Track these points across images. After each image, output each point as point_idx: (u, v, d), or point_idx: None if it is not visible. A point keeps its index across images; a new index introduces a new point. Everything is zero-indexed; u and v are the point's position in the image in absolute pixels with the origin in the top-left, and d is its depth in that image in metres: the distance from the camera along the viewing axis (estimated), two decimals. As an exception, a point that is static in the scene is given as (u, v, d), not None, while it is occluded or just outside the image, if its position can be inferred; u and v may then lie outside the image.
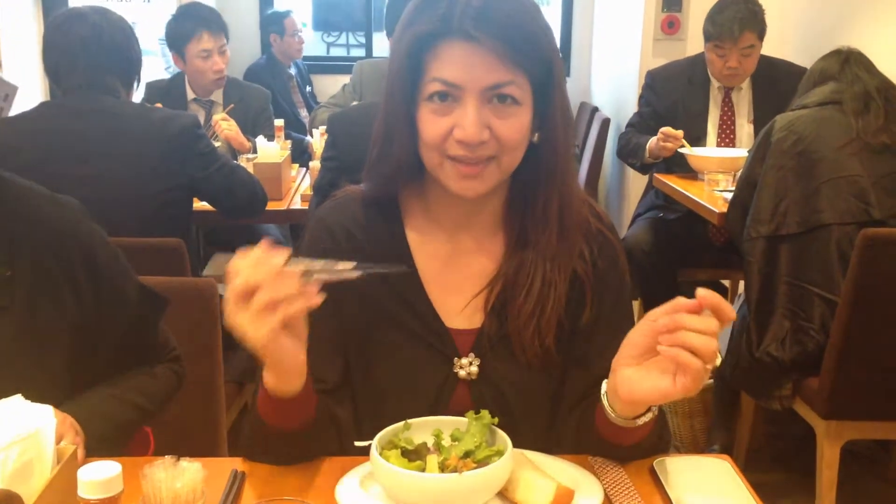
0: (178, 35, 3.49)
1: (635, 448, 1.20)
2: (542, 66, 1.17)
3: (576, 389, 1.28)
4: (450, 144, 1.16)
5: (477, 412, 1.16)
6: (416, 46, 1.16)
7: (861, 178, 2.33)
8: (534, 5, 1.19)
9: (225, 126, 3.32)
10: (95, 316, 1.30)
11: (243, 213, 2.70)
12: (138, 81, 2.45)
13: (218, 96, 3.65)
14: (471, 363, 1.26)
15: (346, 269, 1.04)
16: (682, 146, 3.28)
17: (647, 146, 3.41)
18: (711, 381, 2.86)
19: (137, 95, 2.56)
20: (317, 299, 1.02)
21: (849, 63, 2.52)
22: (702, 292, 1.04)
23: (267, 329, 0.99)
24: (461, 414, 1.18)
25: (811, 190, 2.35)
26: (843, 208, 2.31)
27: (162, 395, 1.42)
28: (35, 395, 1.07)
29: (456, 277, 1.28)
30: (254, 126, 3.57)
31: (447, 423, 1.16)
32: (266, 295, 0.98)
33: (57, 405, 1.06)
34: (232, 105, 3.53)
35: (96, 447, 1.18)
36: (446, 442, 1.12)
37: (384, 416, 1.18)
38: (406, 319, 1.26)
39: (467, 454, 1.09)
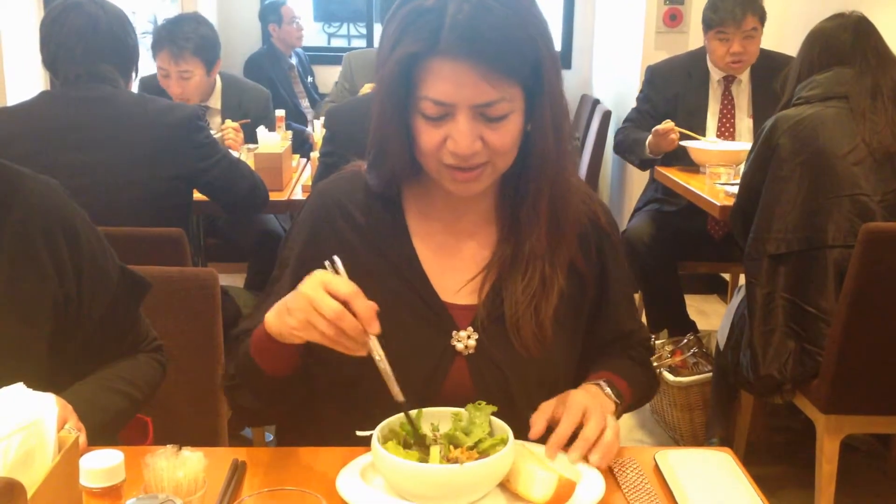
0: (151, 43, 3.32)
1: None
2: (532, 68, 1.17)
3: (600, 337, 1.39)
4: (444, 154, 1.18)
5: (475, 387, 1.17)
6: (405, 65, 1.15)
7: (866, 198, 2.28)
8: (523, 7, 1.16)
9: (232, 135, 3.26)
10: (76, 291, 1.30)
11: (243, 209, 2.69)
12: (136, 71, 2.44)
13: (216, 101, 3.52)
14: (468, 337, 1.27)
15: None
16: (679, 135, 3.27)
17: (647, 142, 3.40)
18: (710, 374, 2.86)
19: (133, 88, 2.54)
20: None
21: (859, 38, 2.42)
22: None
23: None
24: (460, 390, 1.20)
25: (815, 207, 2.30)
26: (847, 229, 2.26)
27: (150, 384, 1.42)
28: (15, 369, 1.09)
29: (453, 261, 1.31)
30: (254, 128, 3.50)
31: (447, 415, 1.16)
32: (334, 341, 1.08)
33: (36, 380, 1.06)
34: (248, 121, 3.38)
35: (90, 437, 1.18)
36: (450, 430, 1.13)
37: (380, 391, 1.19)
38: (404, 294, 1.27)
39: (474, 444, 1.09)
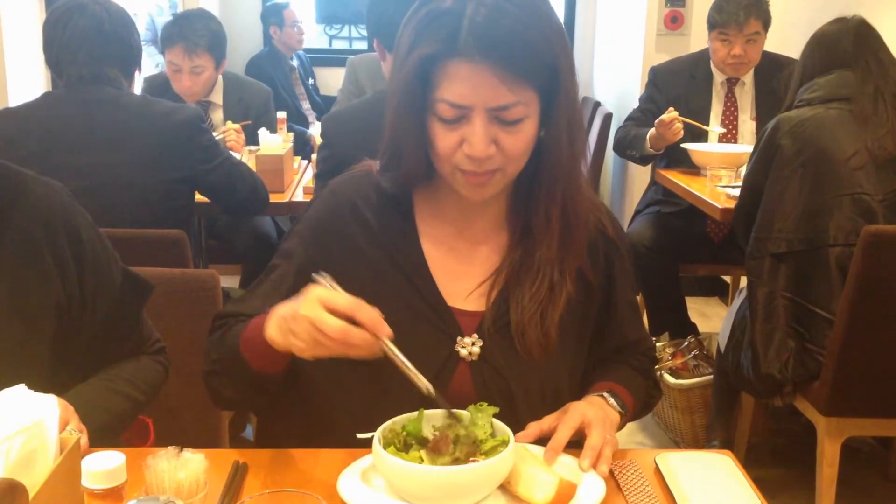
0: (162, 38, 3.34)
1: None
2: (549, 72, 1.17)
3: (605, 346, 1.38)
4: (459, 158, 1.18)
5: (478, 395, 1.17)
6: (423, 68, 1.15)
7: (867, 197, 2.28)
8: (540, 11, 1.16)
9: (233, 137, 3.27)
10: (79, 292, 1.30)
11: (244, 210, 2.69)
12: (139, 71, 2.45)
13: (217, 96, 3.53)
14: (473, 343, 1.26)
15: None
16: (683, 126, 3.27)
17: (648, 137, 3.41)
18: (711, 376, 2.86)
19: (136, 89, 2.54)
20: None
21: (859, 43, 2.42)
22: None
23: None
24: (462, 396, 1.20)
25: (816, 206, 2.30)
26: (848, 228, 2.26)
27: (152, 386, 1.42)
28: (18, 371, 1.08)
29: (462, 265, 1.30)
30: (255, 128, 3.52)
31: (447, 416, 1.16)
32: (345, 353, 1.07)
33: (38, 383, 1.06)
34: (249, 122, 3.40)
35: (92, 439, 1.18)
36: (453, 431, 1.13)
37: (383, 394, 1.19)
38: (410, 297, 1.27)
39: (477, 443, 1.10)
